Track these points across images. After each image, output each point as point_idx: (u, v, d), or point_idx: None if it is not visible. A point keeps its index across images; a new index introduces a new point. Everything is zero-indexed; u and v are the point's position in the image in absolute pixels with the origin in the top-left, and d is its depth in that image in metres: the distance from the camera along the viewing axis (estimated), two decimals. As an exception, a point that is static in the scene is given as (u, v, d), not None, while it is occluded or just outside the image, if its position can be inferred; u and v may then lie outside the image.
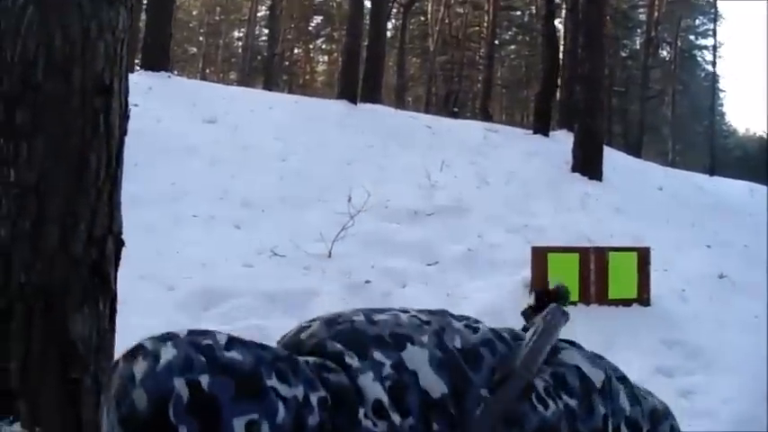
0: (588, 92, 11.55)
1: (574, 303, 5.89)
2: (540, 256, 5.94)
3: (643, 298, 6.22)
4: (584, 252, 6.15)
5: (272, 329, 4.08)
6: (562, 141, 13.58)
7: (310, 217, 6.56)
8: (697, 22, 37.96)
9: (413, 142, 10.39)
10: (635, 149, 23.51)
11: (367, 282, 5.32)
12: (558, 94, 16.79)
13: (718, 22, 34.37)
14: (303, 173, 7.94)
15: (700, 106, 44.37)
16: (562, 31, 20.97)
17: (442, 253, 6.48)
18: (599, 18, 12.09)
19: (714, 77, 32.11)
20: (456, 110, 24.48)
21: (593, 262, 6.12)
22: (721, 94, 45.64)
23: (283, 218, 6.60)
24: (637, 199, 11.10)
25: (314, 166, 8.24)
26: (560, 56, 15.90)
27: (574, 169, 11.45)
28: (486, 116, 18.77)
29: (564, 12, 19.98)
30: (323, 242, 5.74)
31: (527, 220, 8.08)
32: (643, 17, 30.67)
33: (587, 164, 11.42)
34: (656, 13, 28.04)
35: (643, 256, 6.33)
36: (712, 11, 32.42)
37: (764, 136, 55.93)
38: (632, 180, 12.15)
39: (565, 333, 1.03)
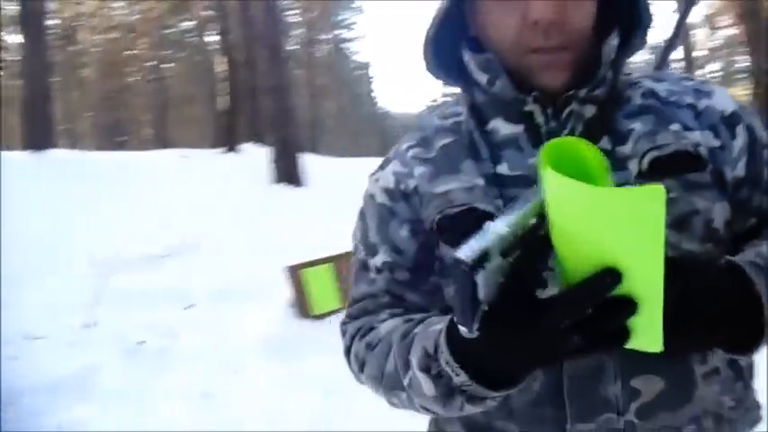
0: (278, 103, 11.85)
1: (337, 311, 6.12)
2: (296, 274, 6.05)
3: (396, 291, 6.64)
4: (336, 260, 6.36)
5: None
6: (253, 154, 13.81)
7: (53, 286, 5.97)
8: (341, 17, 40.71)
9: (118, 184, 9.87)
10: (310, 148, 24.62)
11: (141, 342, 5.01)
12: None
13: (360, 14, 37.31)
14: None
15: (355, 95, 47.76)
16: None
17: (194, 293, 6.30)
18: (275, 30, 12.42)
19: (373, 66, 34.56)
20: (125, 139, 23.61)
21: (346, 268, 6.37)
22: (372, 81, 49.79)
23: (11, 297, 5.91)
24: (348, 197, 11.68)
25: (20, 231, 7.46)
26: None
27: (276, 180, 11.73)
28: (167, 142, 18.35)
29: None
30: (77, 313, 5.27)
31: (261, 241, 8.13)
32: (296, 18, 32.08)
33: (288, 173, 11.78)
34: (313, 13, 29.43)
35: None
36: (354, 5, 35.13)
37: (415, 113, 62.02)
38: (335, 181, 12.71)
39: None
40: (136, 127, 31.96)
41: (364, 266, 1.15)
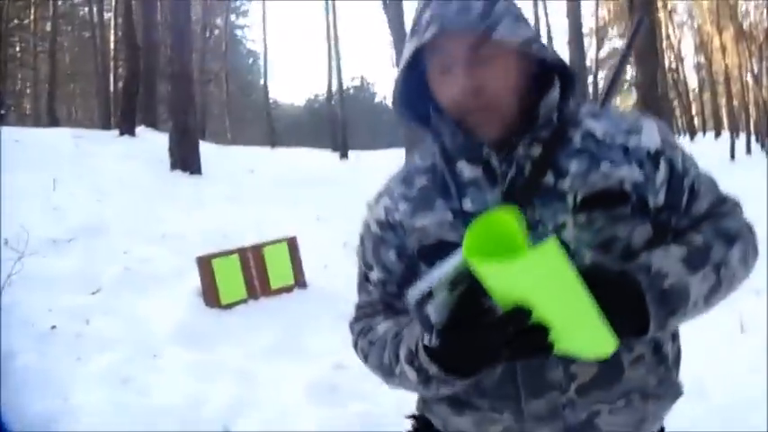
0: (179, 89, 11.77)
1: (245, 301, 6.32)
2: (205, 264, 6.20)
3: (300, 281, 6.88)
4: (242, 252, 6.53)
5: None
6: (149, 140, 13.64)
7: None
8: (237, 3, 40.22)
9: (9, 161, 9.57)
10: (201, 134, 24.30)
11: (53, 327, 5.05)
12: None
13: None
14: None
15: (246, 83, 47.16)
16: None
17: (100, 278, 6.32)
18: (187, 14, 12.30)
19: (265, 56, 34.35)
20: (2, 113, 22.52)
21: (252, 259, 6.57)
22: (262, 70, 49.31)
23: None
24: (244, 185, 11.81)
25: None
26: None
27: (173, 167, 11.67)
28: (54, 119, 17.64)
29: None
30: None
31: (162, 228, 8.18)
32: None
33: (186, 160, 11.73)
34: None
35: (292, 244, 6.97)
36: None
37: (302, 105, 61.76)
38: (229, 170, 12.77)
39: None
40: (15, 101, 30.61)
41: (366, 278, 1.45)
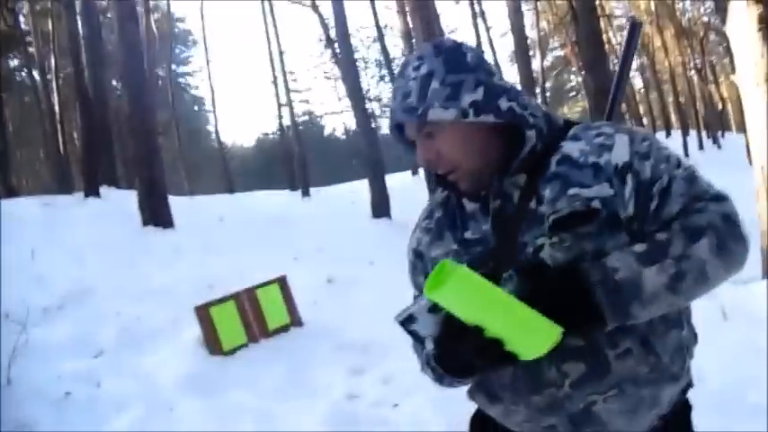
0: (142, 144, 11.79)
1: (245, 345, 6.41)
2: (204, 313, 6.29)
3: (296, 320, 7.00)
4: (237, 297, 6.64)
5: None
6: (114, 198, 13.60)
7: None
8: (177, 50, 40.20)
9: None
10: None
11: (67, 393, 5.10)
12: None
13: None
14: None
15: (194, 130, 47.04)
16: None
17: (99, 341, 6.37)
18: (141, 66, 12.34)
19: (213, 100, 34.37)
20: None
21: (248, 302, 6.68)
22: (209, 115, 49.23)
23: None
24: (217, 234, 11.87)
25: None
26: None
27: (145, 223, 11.65)
28: (10, 190, 17.30)
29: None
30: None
31: (146, 284, 8.22)
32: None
33: (157, 215, 11.73)
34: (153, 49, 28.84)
35: (283, 284, 7.10)
36: (190, 38, 34.96)
37: (251, 146, 61.84)
38: (197, 221, 12.78)
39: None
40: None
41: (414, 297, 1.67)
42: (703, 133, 41.52)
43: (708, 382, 4.13)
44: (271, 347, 6.46)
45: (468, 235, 1.48)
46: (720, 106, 46.15)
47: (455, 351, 1.34)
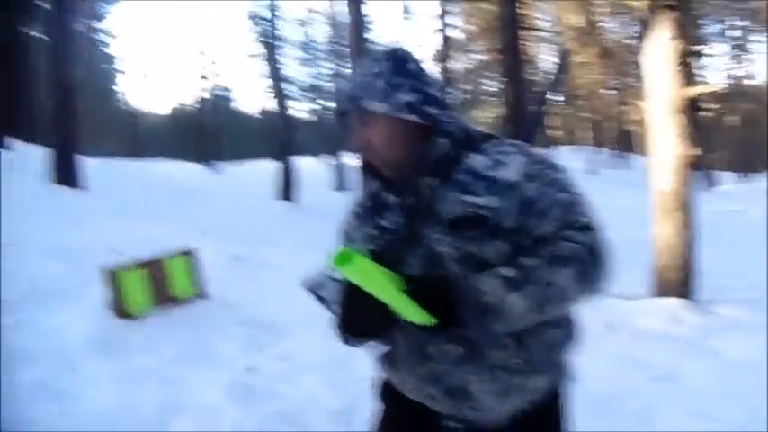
0: (61, 101, 11.57)
1: (151, 312, 6.57)
2: (112, 276, 6.37)
3: (202, 292, 7.20)
4: (147, 264, 6.77)
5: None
6: (26, 153, 13.31)
7: None
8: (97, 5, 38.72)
9: None
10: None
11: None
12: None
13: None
14: None
15: (105, 90, 45.57)
16: None
17: (6, 295, 6.38)
18: (68, 22, 12.04)
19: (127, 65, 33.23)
20: None
21: (157, 270, 6.82)
22: (120, 76, 47.69)
23: None
24: (126, 199, 11.83)
25: None
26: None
27: (57, 182, 11.50)
28: None
29: None
30: None
31: (56, 242, 8.22)
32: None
33: (68, 174, 11.58)
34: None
35: (192, 256, 7.27)
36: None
37: (166, 114, 60.21)
38: (109, 183, 12.69)
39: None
40: None
41: None
42: (613, 152, 42.96)
43: (590, 388, 4.60)
44: (176, 317, 6.62)
45: (384, 223, 1.74)
46: (632, 127, 47.67)
47: (353, 313, 1.59)
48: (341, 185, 20.08)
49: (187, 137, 38.19)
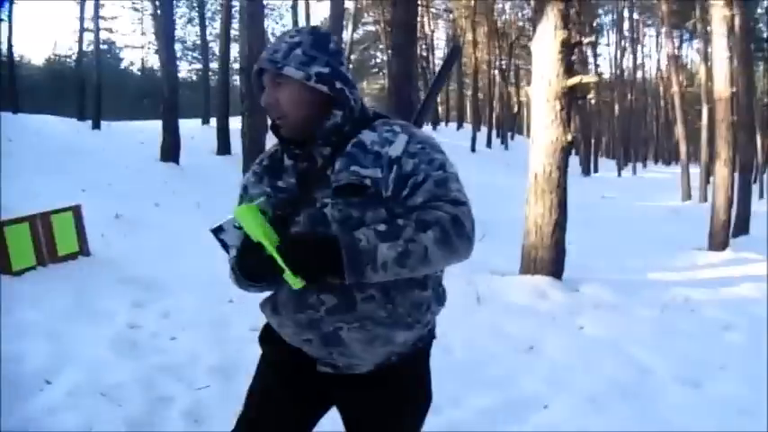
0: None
1: (34, 268, 6.72)
2: (-4, 231, 6.48)
3: (84, 249, 7.37)
4: (32, 219, 6.87)
5: None
6: None
7: None
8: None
9: None
10: None
11: None
12: None
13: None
14: None
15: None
16: None
17: None
18: None
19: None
20: None
21: (41, 227, 6.93)
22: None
23: None
24: (4, 155, 11.54)
25: None
26: None
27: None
28: None
29: None
30: None
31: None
32: None
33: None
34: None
35: (77, 213, 7.41)
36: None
37: (39, 64, 56.62)
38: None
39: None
40: None
41: None
42: (494, 132, 43.95)
43: (455, 354, 5.01)
44: (59, 273, 6.78)
45: (279, 183, 1.86)
46: (516, 109, 48.41)
47: (245, 260, 1.71)
48: (224, 149, 19.97)
49: (64, 90, 36.35)
